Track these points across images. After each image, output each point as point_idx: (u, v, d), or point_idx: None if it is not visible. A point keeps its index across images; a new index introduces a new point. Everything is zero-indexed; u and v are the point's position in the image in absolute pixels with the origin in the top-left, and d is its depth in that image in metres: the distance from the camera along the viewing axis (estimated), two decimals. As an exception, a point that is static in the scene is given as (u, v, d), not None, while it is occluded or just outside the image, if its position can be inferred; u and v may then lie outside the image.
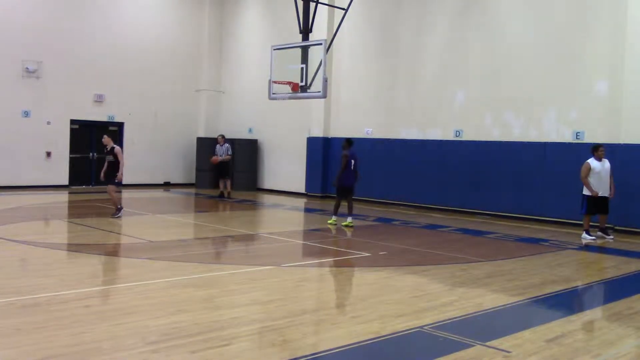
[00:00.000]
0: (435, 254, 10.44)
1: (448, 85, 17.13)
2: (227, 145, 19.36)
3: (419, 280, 8.16)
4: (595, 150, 12.53)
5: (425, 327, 5.99)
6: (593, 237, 12.46)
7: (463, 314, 6.57)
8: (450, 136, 17.12)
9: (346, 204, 13.71)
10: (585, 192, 12.51)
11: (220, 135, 19.77)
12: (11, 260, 9.04)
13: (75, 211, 15.66)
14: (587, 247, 11.80)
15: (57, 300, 6.62)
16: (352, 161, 13.57)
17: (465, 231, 13.43)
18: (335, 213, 13.75)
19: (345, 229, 13.20)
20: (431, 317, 6.33)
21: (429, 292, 7.49)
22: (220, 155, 19.07)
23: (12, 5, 19.40)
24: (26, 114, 19.86)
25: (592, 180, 12.40)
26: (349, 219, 13.46)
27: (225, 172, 19.29)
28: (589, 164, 12.45)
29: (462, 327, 6.10)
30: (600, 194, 12.39)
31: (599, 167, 12.44)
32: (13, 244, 10.15)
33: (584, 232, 12.65)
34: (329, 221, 13.73)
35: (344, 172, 13.49)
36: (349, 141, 13.81)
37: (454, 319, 6.34)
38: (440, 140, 17.28)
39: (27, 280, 7.73)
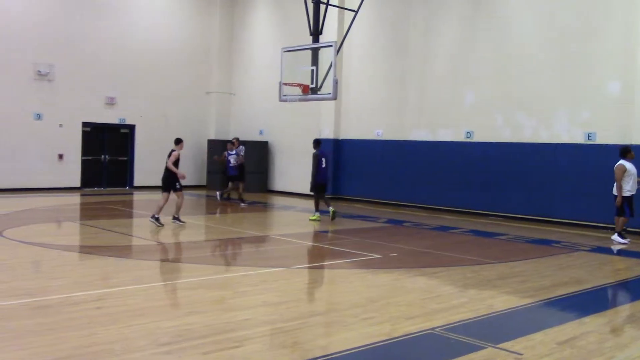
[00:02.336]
0: (446, 256, 10.40)
1: (458, 86, 17.08)
2: (241, 147, 19.22)
3: (430, 282, 8.14)
4: (628, 152, 12.13)
5: (437, 329, 5.97)
6: (626, 241, 12.11)
7: (474, 315, 6.54)
8: (461, 137, 17.06)
9: (322, 200, 14.67)
10: (624, 193, 12.03)
11: (235, 138, 19.59)
12: (23, 262, 9.10)
13: (87, 213, 15.74)
14: (599, 249, 11.68)
15: (69, 301, 6.65)
16: (323, 159, 14.51)
17: (476, 233, 13.38)
18: (317, 209, 14.63)
19: (314, 223, 14.14)
20: (442, 319, 6.31)
21: (440, 294, 7.47)
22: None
23: (24, 8, 19.55)
24: (38, 116, 20.01)
25: (625, 182, 12.02)
26: (317, 214, 14.58)
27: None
28: (623, 165, 12.03)
29: (474, 329, 6.07)
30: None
31: (633, 169, 12.10)
32: (25, 246, 10.22)
33: (616, 234, 12.24)
34: (311, 217, 14.51)
35: (318, 170, 14.40)
36: (317, 141, 14.83)
37: (465, 321, 6.31)
38: (451, 142, 17.23)
39: (39, 282, 7.79)
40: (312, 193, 14.98)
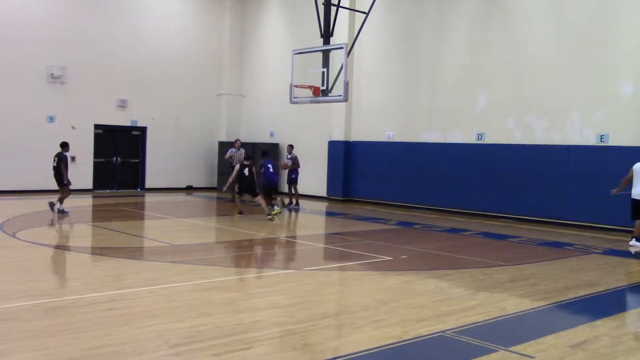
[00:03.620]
0: (457, 258, 10.37)
1: (470, 87, 17.03)
2: (242, 150, 19.49)
3: (441, 285, 8.12)
4: None
5: (448, 332, 5.95)
6: None
7: (486, 318, 6.52)
8: (472, 139, 17.01)
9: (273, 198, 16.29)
10: None
11: (237, 140, 19.84)
12: (36, 264, 9.17)
13: (99, 215, 15.82)
14: (612, 252, 11.58)
15: (82, 303, 6.70)
16: (269, 166, 16.13)
17: (488, 235, 13.33)
18: (272, 204, 16.00)
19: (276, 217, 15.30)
20: (453, 322, 6.29)
21: (451, 297, 7.45)
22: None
23: (38, 11, 19.72)
24: (51, 119, 20.16)
25: None
26: (277, 208, 16.12)
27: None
28: None
29: (485, 332, 6.05)
30: None
31: None
32: (38, 247, 10.30)
33: (634, 239, 11.98)
34: (274, 212, 15.48)
35: (264, 176, 16.03)
36: (264, 152, 17.25)
37: (477, 324, 6.29)
38: (462, 144, 17.17)
39: (52, 283, 7.84)
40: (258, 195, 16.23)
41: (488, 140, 16.64)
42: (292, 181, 18.45)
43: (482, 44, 16.78)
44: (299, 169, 18.39)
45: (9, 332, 5.59)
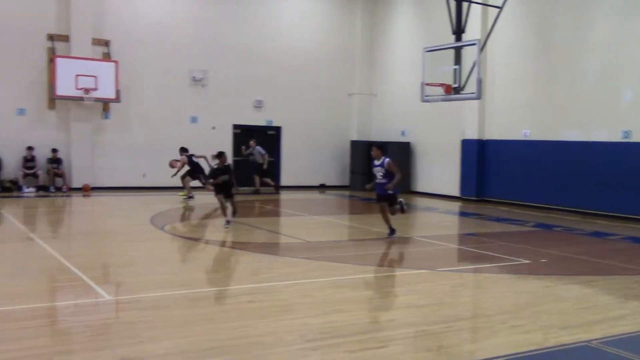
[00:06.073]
0: (603, 264, 9.73)
1: (614, 82, 15.88)
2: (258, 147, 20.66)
3: (585, 291, 7.66)
4: None
5: (594, 342, 5.60)
6: None
7: (637, 329, 6.06)
8: (617, 137, 15.86)
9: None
10: None
11: (252, 140, 20.86)
12: (182, 256, 9.75)
13: (240, 211, 16.51)
14: None
15: (223, 294, 7.04)
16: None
17: (637, 240, 12.38)
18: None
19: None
20: (600, 331, 5.91)
21: (597, 304, 7.00)
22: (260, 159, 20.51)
23: (180, 19, 20.99)
24: (194, 119, 21.38)
25: None
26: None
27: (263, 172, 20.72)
28: None
29: (637, 344, 5.62)
30: None
31: None
32: (183, 241, 10.95)
33: None
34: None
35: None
36: (183, 149, 18.24)
37: (627, 335, 5.86)
38: (606, 142, 16.08)
39: (196, 275, 8.30)
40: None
41: (636, 138, 15.45)
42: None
43: (628, 35, 15.57)
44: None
45: (157, 319, 5.98)
